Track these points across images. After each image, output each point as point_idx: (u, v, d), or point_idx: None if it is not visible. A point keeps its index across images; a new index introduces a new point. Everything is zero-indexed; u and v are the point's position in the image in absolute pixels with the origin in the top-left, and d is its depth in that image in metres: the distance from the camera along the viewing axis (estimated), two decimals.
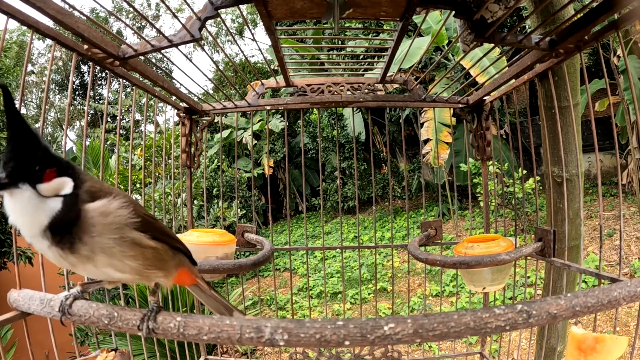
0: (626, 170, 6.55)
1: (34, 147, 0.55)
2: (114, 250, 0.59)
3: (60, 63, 15.76)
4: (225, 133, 9.73)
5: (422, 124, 7.19)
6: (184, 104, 1.45)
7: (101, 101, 16.18)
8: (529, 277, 4.90)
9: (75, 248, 0.57)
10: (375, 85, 1.45)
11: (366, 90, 1.46)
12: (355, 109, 8.24)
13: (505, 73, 1.24)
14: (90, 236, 0.57)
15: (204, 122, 1.54)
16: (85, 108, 1.09)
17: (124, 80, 1.07)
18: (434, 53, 7.90)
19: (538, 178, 4.95)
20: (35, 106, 17.12)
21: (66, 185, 0.57)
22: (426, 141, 7.41)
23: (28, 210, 0.55)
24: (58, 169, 0.57)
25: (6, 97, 0.54)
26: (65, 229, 0.56)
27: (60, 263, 0.59)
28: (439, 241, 1.54)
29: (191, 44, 0.90)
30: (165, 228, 0.73)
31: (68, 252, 0.57)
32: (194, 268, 0.79)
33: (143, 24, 15.91)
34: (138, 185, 4.91)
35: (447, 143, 7.03)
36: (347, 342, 0.56)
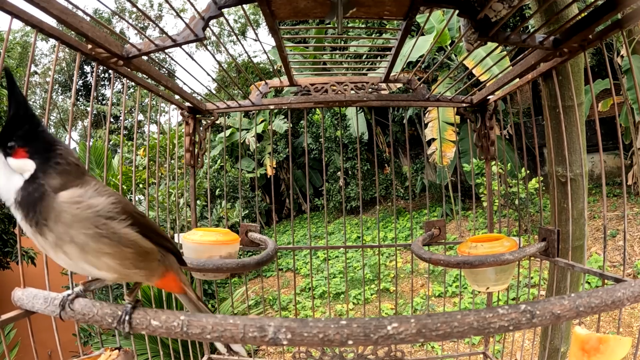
0: (631, 171, 6.51)
1: (21, 124, 0.60)
2: (89, 245, 0.59)
3: (64, 64, 15.82)
4: (228, 134, 9.75)
5: (426, 124, 7.17)
6: (187, 104, 1.45)
7: (104, 102, 16.24)
8: (532, 278, 4.88)
9: (42, 230, 0.59)
10: (379, 84, 1.45)
11: (370, 90, 1.45)
12: (358, 109, 8.22)
13: (509, 72, 1.24)
14: (57, 223, 0.58)
15: (208, 121, 1.54)
16: (90, 109, 1.09)
17: (128, 81, 1.08)
18: (436, 53, 7.87)
19: (541, 178, 4.92)
20: (38, 106, 17.21)
21: (28, 168, 0.60)
22: (431, 142, 7.37)
23: (1, 176, 0.60)
24: (31, 151, 0.60)
25: (9, 78, 0.60)
26: (31, 207, 0.58)
27: (36, 241, 0.61)
28: (443, 241, 1.53)
29: (194, 44, 0.90)
30: (155, 226, 0.73)
31: (36, 232, 0.59)
32: (182, 275, 0.78)
33: (146, 24, 15.95)
34: (142, 186, 4.92)
35: (452, 141, 6.99)
36: (350, 342, 0.56)
